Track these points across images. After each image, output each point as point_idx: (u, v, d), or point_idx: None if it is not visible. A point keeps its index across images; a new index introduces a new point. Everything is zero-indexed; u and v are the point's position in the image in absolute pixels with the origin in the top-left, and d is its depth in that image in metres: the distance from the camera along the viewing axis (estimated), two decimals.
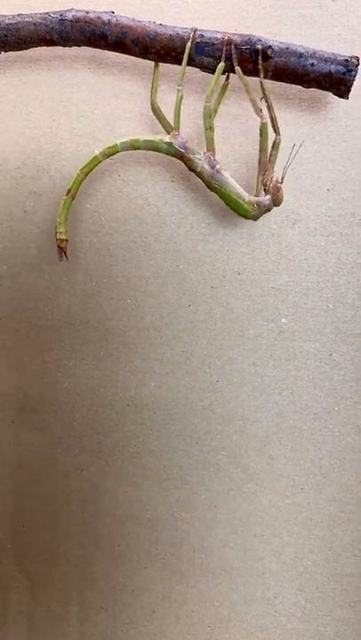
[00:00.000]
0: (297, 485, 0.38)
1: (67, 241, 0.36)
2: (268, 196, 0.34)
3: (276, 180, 0.34)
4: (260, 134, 0.33)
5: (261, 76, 0.33)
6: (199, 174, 0.35)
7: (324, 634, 0.39)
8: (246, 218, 0.35)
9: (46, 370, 0.39)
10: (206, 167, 0.34)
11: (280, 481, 0.38)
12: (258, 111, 0.33)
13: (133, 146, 0.35)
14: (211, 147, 0.34)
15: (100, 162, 0.35)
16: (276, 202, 0.34)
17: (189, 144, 0.34)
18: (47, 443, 0.39)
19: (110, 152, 0.35)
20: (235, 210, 0.35)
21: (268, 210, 0.35)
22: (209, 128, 0.34)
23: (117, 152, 0.35)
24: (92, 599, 0.40)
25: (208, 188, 0.35)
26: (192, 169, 0.35)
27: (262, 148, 0.34)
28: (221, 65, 0.33)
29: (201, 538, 0.39)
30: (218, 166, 0.34)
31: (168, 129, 0.35)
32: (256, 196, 0.35)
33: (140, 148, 0.35)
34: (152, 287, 0.38)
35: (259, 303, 0.37)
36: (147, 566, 0.39)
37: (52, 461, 0.40)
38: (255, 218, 0.35)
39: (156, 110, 0.34)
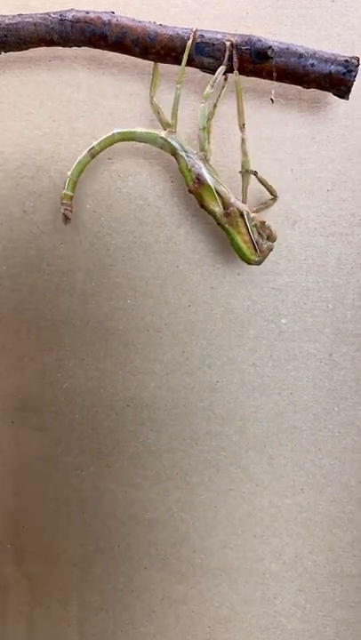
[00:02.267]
0: (297, 486, 0.38)
1: (71, 199, 0.35)
2: (267, 242, 0.35)
3: (262, 223, 0.35)
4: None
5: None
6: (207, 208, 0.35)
7: (324, 634, 0.39)
8: (250, 264, 0.36)
9: (46, 370, 0.39)
10: (196, 166, 0.34)
11: (280, 481, 0.38)
12: (241, 125, 0.34)
13: (129, 137, 0.35)
14: (204, 147, 0.34)
15: (115, 141, 0.35)
16: (272, 238, 0.35)
17: (184, 143, 0.34)
18: (47, 443, 0.39)
19: (106, 143, 0.35)
20: (238, 253, 0.36)
21: (270, 250, 0.35)
22: (203, 129, 0.34)
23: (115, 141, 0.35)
24: (92, 599, 0.40)
25: (218, 225, 0.35)
26: (183, 170, 0.35)
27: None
28: (222, 68, 0.33)
29: (201, 538, 0.39)
30: (203, 168, 0.34)
31: (165, 127, 0.35)
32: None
33: (134, 139, 0.35)
34: (152, 287, 0.38)
35: (259, 303, 0.37)
36: (147, 567, 0.39)
37: (51, 462, 0.40)
38: (259, 263, 0.36)
39: (154, 107, 0.34)
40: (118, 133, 0.35)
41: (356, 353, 0.37)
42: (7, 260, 0.39)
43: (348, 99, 0.33)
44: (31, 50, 0.35)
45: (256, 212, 0.35)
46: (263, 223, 0.35)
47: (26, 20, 0.34)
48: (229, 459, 0.38)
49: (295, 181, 0.36)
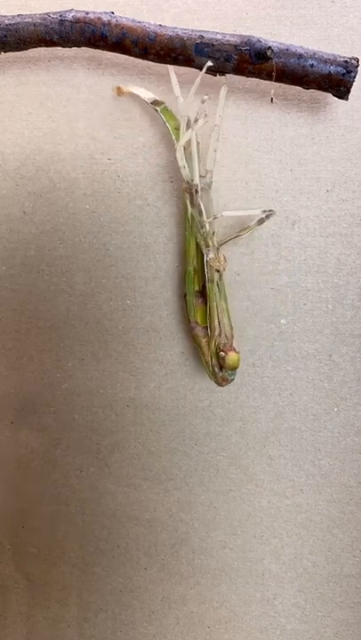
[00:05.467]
0: (296, 486, 0.38)
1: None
2: (221, 371, 0.35)
3: (224, 345, 0.35)
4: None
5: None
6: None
7: (323, 635, 0.39)
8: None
9: (45, 370, 0.39)
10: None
11: (280, 482, 0.38)
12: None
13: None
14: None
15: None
16: (226, 367, 0.35)
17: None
18: (46, 443, 0.39)
19: None
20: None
21: (225, 380, 0.36)
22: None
23: None
24: (92, 600, 0.40)
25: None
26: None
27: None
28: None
29: (200, 539, 0.39)
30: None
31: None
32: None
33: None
34: (151, 288, 0.38)
35: (258, 304, 0.37)
36: (146, 567, 0.39)
37: (51, 462, 0.39)
38: (221, 385, 0.36)
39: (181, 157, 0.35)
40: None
41: (355, 354, 0.37)
42: (7, 261, 0.39)
43: (347, 99, 0.33)
44: (31, 50, 0.35)
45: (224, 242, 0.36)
46: (218, 353, 0.35)
47: (25, 20, 0.34)
48: (229, 459, 0.38)
49: (295, 182, 0.36)
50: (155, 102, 0.36)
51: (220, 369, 0.35)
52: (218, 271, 0.35)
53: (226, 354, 0.35)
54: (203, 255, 0.35)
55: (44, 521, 0.40)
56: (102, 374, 0.39)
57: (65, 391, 0.39)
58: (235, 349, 0.35)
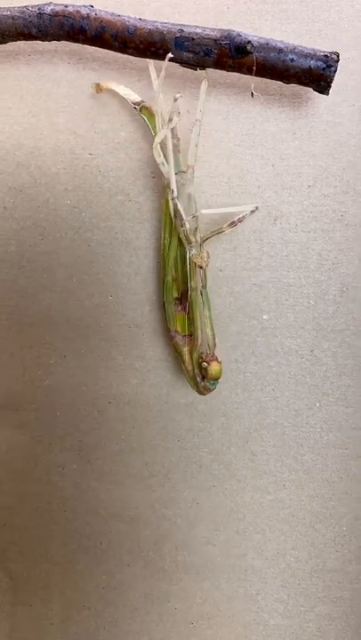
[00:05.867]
0: (279, 482, 0.38)
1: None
2: (204, 381, 0.35)
3: (207, 355, 0.35)
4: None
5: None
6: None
7: (306, 630, 0.39)
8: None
9: (27, 367, 0.39)
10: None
11: (262, 477, 0.38)
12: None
13: None
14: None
15: None
16: (208, 377, 0.35)
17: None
18: (28, 441, 0.39)
19: None
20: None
21: (207, 389, 0.36)
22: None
23: None
24: (75, 597, 0.40)
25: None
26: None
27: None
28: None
29: (183, 535, 0.39)
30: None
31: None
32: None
33: None
34: (134, 284, 0.38)
35: (241, 300, 0.37)
36: (129, 564, 0.39)
37: (33, 459, 0.39)
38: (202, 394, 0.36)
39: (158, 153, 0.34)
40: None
41: (337, 349, 0.37)
42: None
43: (328, 94, 0.33)
44: (10, 44, 0.35)
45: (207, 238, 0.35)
46: (201, 363, 0.35)
47: (3, 13, 0.33)
48: (212, 455, 0.38)
49: (276, 177, 0.36)
50: (134, 101, 0.35)
51: (202, 378, 0.35)
52: (201, 267, 0.35)
53: (208, 364, 0.34)
54: (183, 261, 0.35)
55: (26, 519, 0.40)
56: (84, 371, 0.38)
57: (46, 388, 0.39)
58: (217, 359, 0.35)
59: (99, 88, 0.36)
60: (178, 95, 0.32)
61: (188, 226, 0.34)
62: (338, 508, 0.38)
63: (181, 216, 0.34)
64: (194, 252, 0.34)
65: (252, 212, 0.36)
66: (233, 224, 0.35)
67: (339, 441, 0.38)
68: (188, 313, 0.36)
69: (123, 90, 0.35)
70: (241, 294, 0.37)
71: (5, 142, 0.37)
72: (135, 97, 0.35)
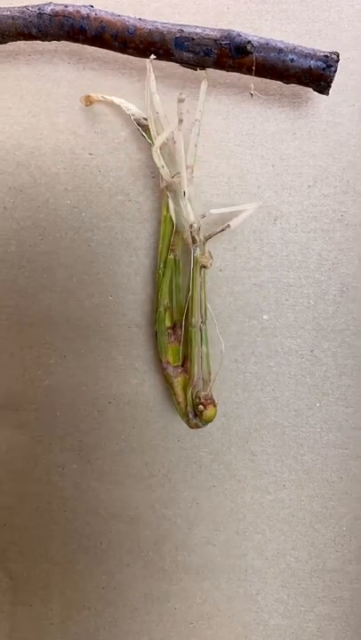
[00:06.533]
0: (279, 482, 0.38)
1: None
2: (196, 419, 0.36)
3: (205, 397, 0.35)
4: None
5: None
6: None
7: (306, 629, 0.39)
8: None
9: (27, 367, 0.39)
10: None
11: (262, 478, 0.38)
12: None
13: None
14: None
15: None
16: (203, 419, 0.35)
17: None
18: (28, 441, 0.39)
19: None
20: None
21: (198, 427, 0.36)
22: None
23: None
24: (75, 597, 0.40)
25: None
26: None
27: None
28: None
29: (183, 535, 0.39)
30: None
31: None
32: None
33: None
34: (133, 284, 0.38)
35: (241, 300, 0.37)
36: (129, 564, 0.39)
37: (33, 459, 0.39)
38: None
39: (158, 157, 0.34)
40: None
41: (337, 349, 0.37)
42: None
43: (328, 94, 0.33)
44: (10, 44, 0.35)
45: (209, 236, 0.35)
46: (197, 403, 0.35)
47: (3, 13, 0.33)
48: (212, 455, 0.38)
49: (276, 177, 0.36)
50: (129, 109, 0.35)
51: (194, 416, 0.35)
52: (205, 267, 0.35)
53: (205, 408, 0.35)
54: (178, 290, 0.36)
55: (26, 519, 0.40)
56: (84, 371, 0.38)
57: (47, 388, 0.39)
58: (214, 402, 0.35)
59: (88, 100, 0.36)
60: (183, 96, 0.32)
61: (196, 226, 0.34)
62: (338, 508, 0.38)
63: (188, 216, 0.34)
64: (198, 251, 0.34)
65: (256, 210, 0.36)
66: (235, 222, 0.35)
67: (339, 441, 0.38)
68: (181, 343, 0.36)
69: (117, 100, 0.35)
70: (241, 294, 0.37)
71: (5, 142, 0.37)
72: (131, 107, 0.35)
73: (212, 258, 0.35)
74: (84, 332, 0.38)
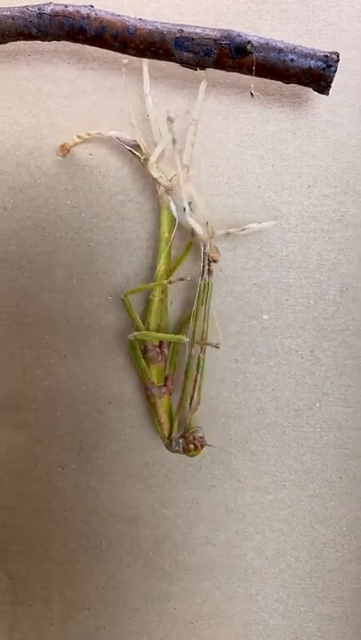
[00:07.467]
0: (279, 482, 0.38)
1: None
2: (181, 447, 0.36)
3: (200, 439, 0.36)
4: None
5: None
6: None
7: (306, 630, 0.39)
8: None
9: (27, 367, 0.39)
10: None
11: (262, 477, 0.38)
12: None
13: None
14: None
15: None
16: (186, 453, 0.36)
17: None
18: (28, 441, 0.39)
19: None
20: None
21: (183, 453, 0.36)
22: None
23: None
24: (75, 597, 0.40)
25: None
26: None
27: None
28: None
29: (183, 535, 0.39)
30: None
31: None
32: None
33: None
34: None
35: (241, 300, 0.37)
36: (129, 564, 0.39)
37: (33, 459, 0.39)
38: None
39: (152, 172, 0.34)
40: None
41: (337, 349, 0.37)
42: None
43: (328, 94, 0.33)
44: (10, 44, 0.35)
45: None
46: (189, 441, 0.35)
47: (3, 13, 0.33)
48: (212, 455, 0.38)
49: (276, 177, 0.36)
50: (131, 145, 0.35)
51: (177, 444, 0.36)
52: (215, 261, 0.35)
53: (195, 449, 0.35)
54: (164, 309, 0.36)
55: (26, 519, 0.40)
56: (84, 371, 0.38)
57: (46, 388, 0.39)
58: (203, 444, 0.35)
59: (64, 149, 0.36)
60: (172, 115, 0.32)
61: (201, 233, 0.34)
62: (338, 508, 0.38)
63: (194, 227, 0.34)
64: (209, 247, 0.34)
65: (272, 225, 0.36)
66: (243, 229, 0.35)
67: (339, 441, 0.38)
68: (167, 362, 0.36)
69: (94, 134, 0.35)
70: (241, 294, 0.37)
71: (5, 142, 0.37)
72: (112, 133, 0.35)
73: (219, 254, 0.35)
74: (84, 331, 0.38)
